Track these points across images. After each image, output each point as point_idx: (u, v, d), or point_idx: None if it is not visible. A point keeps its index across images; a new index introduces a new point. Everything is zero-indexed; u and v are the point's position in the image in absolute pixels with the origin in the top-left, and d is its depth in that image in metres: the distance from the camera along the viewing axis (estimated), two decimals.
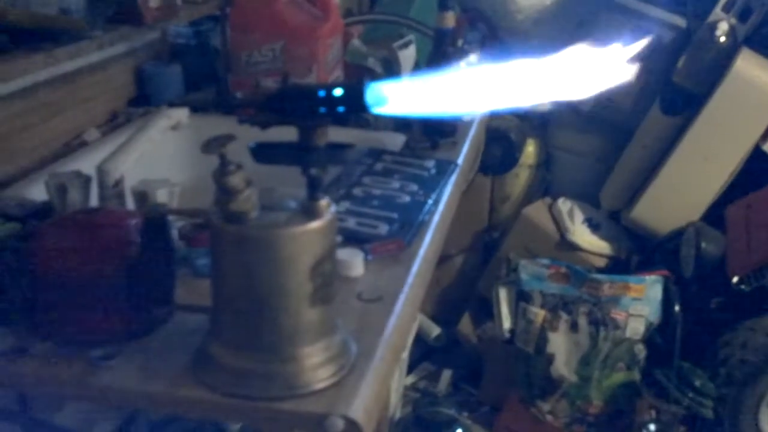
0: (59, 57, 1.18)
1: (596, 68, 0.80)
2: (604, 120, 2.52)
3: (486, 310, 2.56)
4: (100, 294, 0.86)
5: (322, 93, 0.78)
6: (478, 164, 2.71)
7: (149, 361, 0.86)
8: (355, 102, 0.77)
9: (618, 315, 2.22)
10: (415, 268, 1.10)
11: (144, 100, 1.59)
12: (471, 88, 0.81)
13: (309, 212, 0.81)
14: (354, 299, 1.01)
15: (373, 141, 1.52)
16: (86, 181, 1.09)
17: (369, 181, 1.33)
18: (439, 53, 1.56)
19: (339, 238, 1.14)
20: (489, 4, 2.68)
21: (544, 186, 2.75)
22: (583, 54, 0.80)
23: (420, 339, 2.70)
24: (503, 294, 2.42)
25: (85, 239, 0.87)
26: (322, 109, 0.78)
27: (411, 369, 2.59)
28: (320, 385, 0.83)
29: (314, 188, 0.81)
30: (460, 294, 2.76)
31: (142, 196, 1.08)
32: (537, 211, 2.60)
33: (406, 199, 1.28)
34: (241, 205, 0.78)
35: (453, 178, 1.40)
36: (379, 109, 0.78)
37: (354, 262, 1.06)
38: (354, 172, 1.37)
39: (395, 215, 1.21)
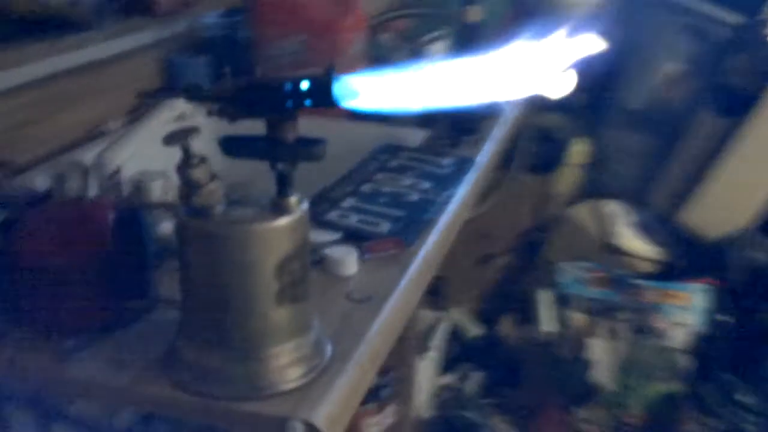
0: (64, 47, 1.18)
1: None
2: (655, 119, 2.43)
3: (527, 312, 2.50)
4: (72, 284, 0.85)
5: (288, 86, 0.75)
6: (523, 163, 2.65)
7: (120, 354, 0.85)
8: (323, 95, 0.75)
9: (660, 323, 2.14)
10: (412, 269, 1.06)
11: (170, 91, 1.59)
12: (444, 83, 0.78)
13: (277, 209, 0.79)
14: (342, 298, 0.98)
15: (391, 137, 1.48)
16: (85, 171, 1.09)
17: (380, 178, 1.30)
18: (464, 48, 1.52)
19: (338, 235, 1.12)
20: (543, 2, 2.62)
21: (591, 186, 2.67)
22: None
23: (459, 339, 2.66)
24: (543, 296, 2.37)
25: (60, 229, 0.87)
26: (289, 103, 0.76)
27: (449, 369, 2.54)
28: (286, 387, 0.80)
29: (283, 184, 0.79)
30: (502, 294, 2.70)
31: (137, 188, 1.08)
32: (582, 212, 2.52)
33: (416, 197, 1.25)
34: (204, 200, 0.76)
35: (470, 177, 1.36)
36: (349, 103, 0.75)
37: (346, 260, 1.03)
38: (367, 168, 1.34)
39: (401, 213, 1.18)
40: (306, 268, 0.82)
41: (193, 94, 0.79)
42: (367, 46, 1.70)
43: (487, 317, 2.65)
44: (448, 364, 2.56)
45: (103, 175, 1.07)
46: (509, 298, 2.65)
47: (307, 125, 1.42)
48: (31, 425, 1.42)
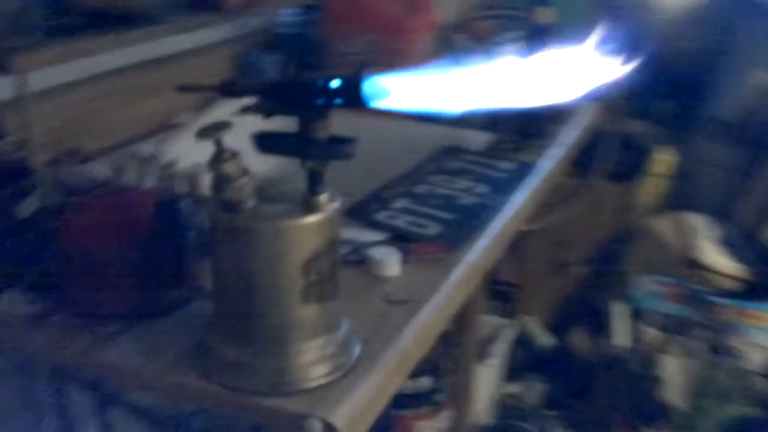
0: (133, 40, 1.22)
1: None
2: (744, 131, 2.33)
3: (601, 324, 2.44)
4: (110, 271, 0.87)
5: (319, 83, 0.75)
6: (603, 171, 2.58)
7: (155, 342, 0.87)
8: (352, 94, 0.74)
9: (738, 343, 2.05)
10: (456, 274, 1.05)
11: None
12: (476, 85, 0.76)
13: (307, 206, 0.79)
14: (380, 299, 0.97)
15: (454, 138, 1.47)
16: (142, 162, 1.12)
17: (436, 180, 1.29)
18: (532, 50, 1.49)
19: (385, 236, 1.12)
20: (630, 4, 2.55)
21: (675, 198, 2.58)
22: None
23: (530, 348, 2.61)
24: (618, 309, 2.30)
25: (102, 217, 0.89)
26: (320, 100, 0.75)
27: (515, 377, 2.50)
28: (309, 384, 0.80)
29: (313, 181, 0.79)
30: (575, 304, 2.64)
31: (190, 180, 1.10)
32: (663, 224, 2.43)
33: (470, 200, 1.23)
34: (234, 194, 0.77)
35: (529, 182, 1.33)
36: (379, 103, 0.75)
37: (387, 261, 1.02)
38: (424, 169, 1.33)
39: (452, 216, 1.17)
40: (335, 266, 0.82)
41: (229, 89, 0.80)
42: (440, 47, 1.69)
43: (558, 327, 2.59)
44: (515, 373, 2.52)
45: (158, 167, 1.10)
46: (583, 309, 2.58)
47: (370, 125, 1.42)
48: (88, 409, 1.47)
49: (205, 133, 0.76)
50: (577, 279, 2.65)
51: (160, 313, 0.90)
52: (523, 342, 2.63)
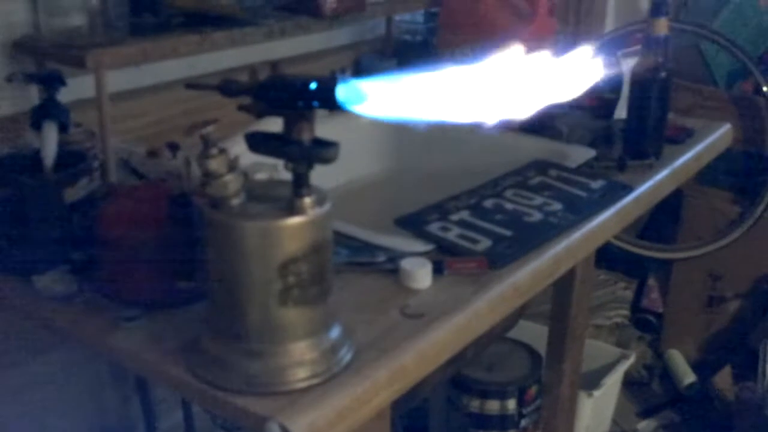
0: (214, 42, 1.26)
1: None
2: None
3: (752, 366, 2.23)
4: (132, 259, 0.92)
5: (299, 85, 0.74)
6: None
7: (161, 332, 0.89)
8: (326, 97, 0.73)
9: None
10: (490, 294, 0.99)
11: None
12: (458, 94, 0.72)
13: (289, 209, 0.78)
14: (395, 311, 0.94)
15: (552, 153, 1.40)
16: None
17: (510, 195, 1.23)
18: (646, 63, 1.39)
19: (430, 248, 1.08)
20: None
21: None
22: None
23: (670, 383, 2.44)
24: None
25: (130, 207, 0.94)
26: (300, 103, 0.75)
27: (651, 414, 2.34)
28: (283, 388, 0.79)
29: (297, 184, 0.78)
30: (727, 342, 2.42)
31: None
32: None
33: (538, 218, 1.16)
34: (216, 190, 0.78)
35: (615, 206, 1.23)
36: (354, 108, 0.73)
37: (415, 273, 0.99)
38: (503, 182, 1.28)
39: (509, 233, 1.11)
40: (321, 271, 0.80)
41: (227, 88, 0.81)
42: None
43: (703, 365, 2.39)
44: (652, 410, 2.36)
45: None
46: (733, 348, 2.37)
47: (474, 137, 1.38)
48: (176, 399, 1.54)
49: (192, 129, 0.78)
50: (731, 315, 2.44)
51: (174, 304, 0.93)
52: (663, 376, 2.47)
